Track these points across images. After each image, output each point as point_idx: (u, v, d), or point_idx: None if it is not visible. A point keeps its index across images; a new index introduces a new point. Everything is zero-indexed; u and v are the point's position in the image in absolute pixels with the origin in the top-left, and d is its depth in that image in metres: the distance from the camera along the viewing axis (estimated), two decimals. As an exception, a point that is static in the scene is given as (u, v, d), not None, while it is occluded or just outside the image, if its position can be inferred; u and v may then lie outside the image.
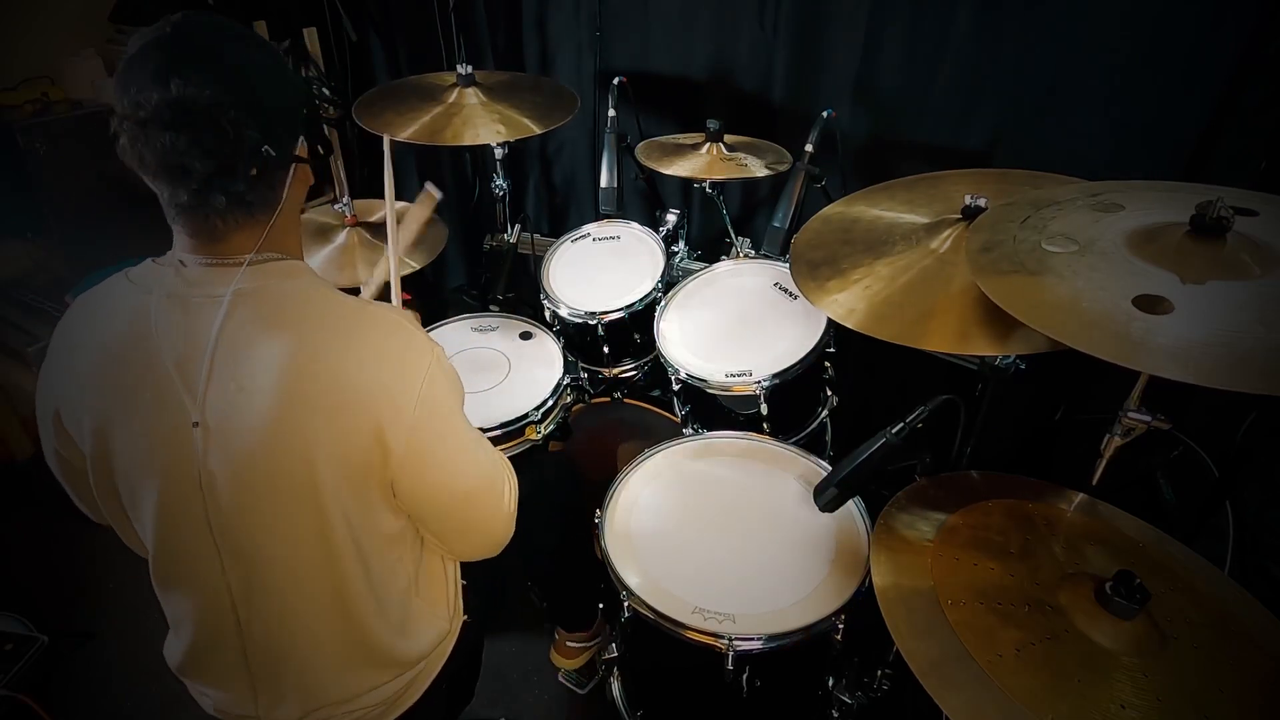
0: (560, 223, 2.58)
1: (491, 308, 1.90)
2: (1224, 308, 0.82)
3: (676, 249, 1.93)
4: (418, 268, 1.79)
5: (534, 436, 1.57)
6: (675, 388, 1.57)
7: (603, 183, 1.77)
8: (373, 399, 0.82)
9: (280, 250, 0.86)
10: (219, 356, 0.81)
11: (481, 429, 1.50)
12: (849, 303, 1.17)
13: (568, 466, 1.58)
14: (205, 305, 0.81)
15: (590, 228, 1.95)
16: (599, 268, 1.85)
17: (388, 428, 0.83)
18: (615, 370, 1.81)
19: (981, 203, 1.19)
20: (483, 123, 1.78)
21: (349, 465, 0.84)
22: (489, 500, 0.99)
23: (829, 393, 1.64)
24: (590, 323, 1.72)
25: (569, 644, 1.68)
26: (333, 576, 0.90)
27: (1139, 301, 0.84)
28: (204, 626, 0.95)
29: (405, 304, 1.19)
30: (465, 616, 1.14)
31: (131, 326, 0.83)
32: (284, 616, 0.92)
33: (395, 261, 1.22)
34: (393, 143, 1.29)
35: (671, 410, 1.72)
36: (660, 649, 1.21)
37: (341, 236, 1.79)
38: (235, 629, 0.93)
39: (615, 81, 1.78)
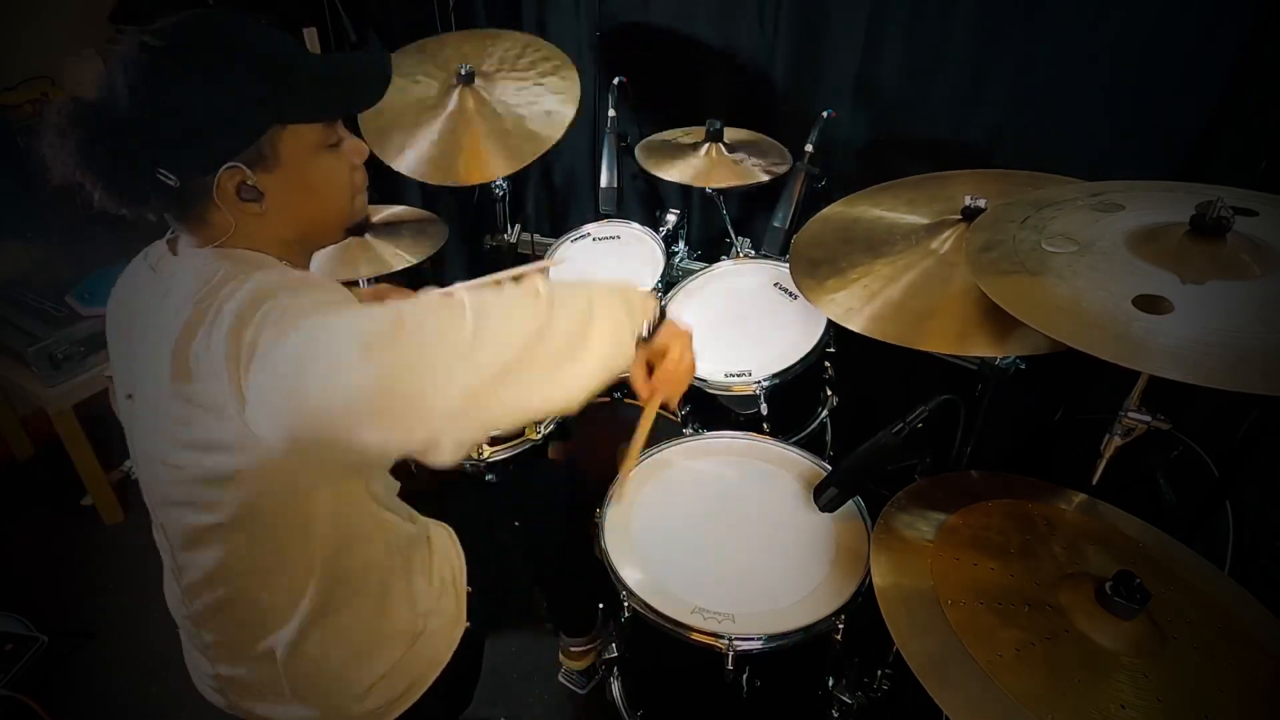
0: (560, 223, 2.58)
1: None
2: (1224, 307, 0.82)
3: (676, 249, 1.93)
4: (414, 263, 1.79)
5: (534, 436, 1.57)
6: (675, 388, 1.57)
7: (603, 183, 1.77)
8: (180, 353, 0.76)
9: (258, 248, 0.86)
10: (155, 335, 0.81)
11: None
12: (848, 302, 1.17)
13: (568, 468, 1.58)
14: (165, 282, 0.85)
15: (590, 228, 1.95)
16: (599, 268, 1.85)
17: (194, 375, 0.76)
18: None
19: (981, 203, 1.19)
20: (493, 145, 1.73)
21: (182, 438, 0.80)
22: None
23: (829, 393, 1.64)
24: (590, 323, 1.71)
25: (572, 649, 1.68)
26: (222, 555, 0.88)
27: (1139, 301, 0.84)
28: (173, 603, 1.01)
29: None
30: (468, 624, 1.13)
31: (129, 302, 0.91)
32: (220, 599, 0.92)
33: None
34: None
35: (671, 410, 1.72)
36: (660, 649, 1.21)
37: (341, 237, 1.79)
38: (184, 608, 0.97)
39: (615, 81, 1.78)
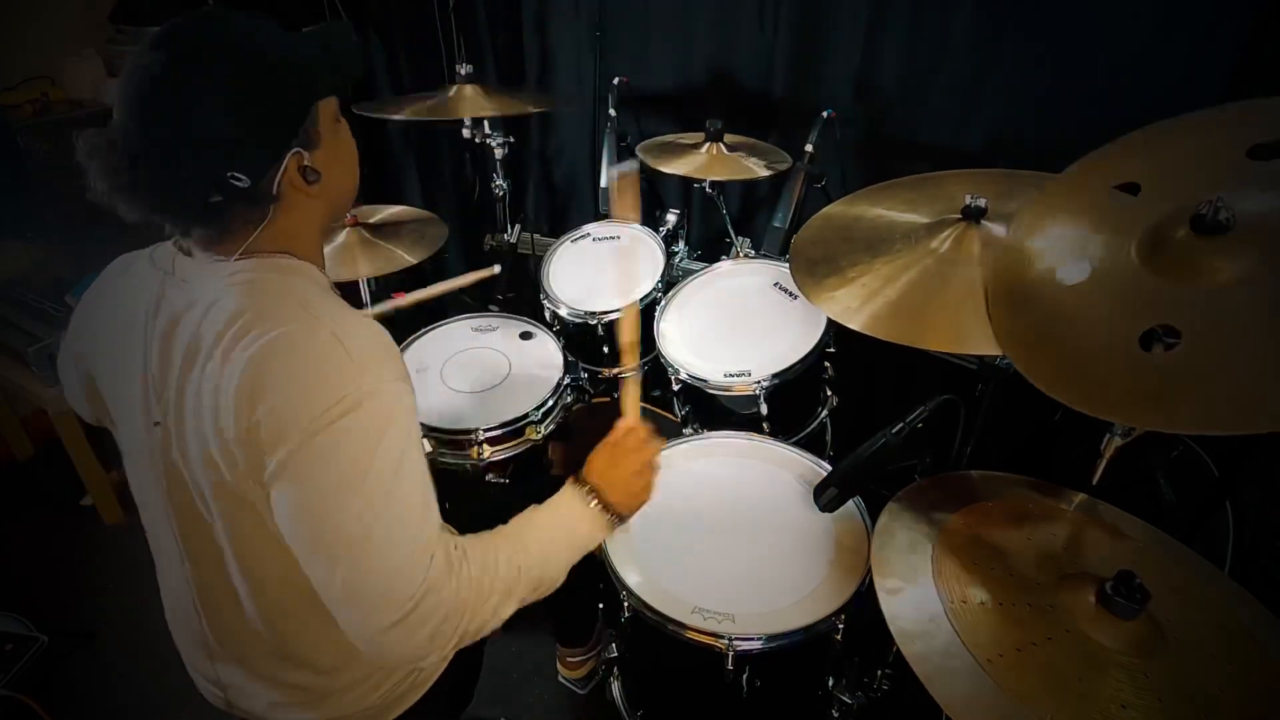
0: (560, 223, 2.58)
1: (491, 308, 1.90)
2: (1231, 325, 0.81)
3: (676, 249, 1.93)
4: (414, 263, 1.79)
5: (534, 436, 1.57)
6: (675, 388, 1.57)
7: (603, 183, 1.77)
8: (268, 413, 0.75)
9: (287, 249, 0.86)
10: (192, 352, 0.81)
11: (482, 429, 1.52)
12: (848, 302, 1.17)
13: (568, 468, 1.58)
14: (198, 299, 0.82)
15: (590, 228, 1.95)
16: (599, 268, 1.85)
17: (267, 448, 0.76)
18: (615, 370, 1.81)
19: (982, 203, 1.19)
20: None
21: (236, 462, 0.79)
22: (359, 586, 0.76)
23: (829, 393, 1.64)
24: (590, 323, 1.72)
25: (569, 658, 1.68)
26: (265, 580, 0.88)
27: (1144, 341, 0.84)
28: (174, 612, 1.00)
29: (400, 308, 1.17)
30: None
31: (138, 309, 0.86)
32: (241, 616, 0.92)
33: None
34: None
35: (671, 410, 1.72)
36: (660, 649, 1.21)
37: (341, 236, 1.79)
38: (199, 624, 0.96)
39: (615, 81, 1.78)
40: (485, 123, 1.93)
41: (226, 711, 1.02)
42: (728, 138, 1.79)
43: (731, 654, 1.07)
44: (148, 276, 0.88)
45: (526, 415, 1.55)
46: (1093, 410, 0.83)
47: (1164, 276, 0.88)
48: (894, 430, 1.10)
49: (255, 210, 0.81)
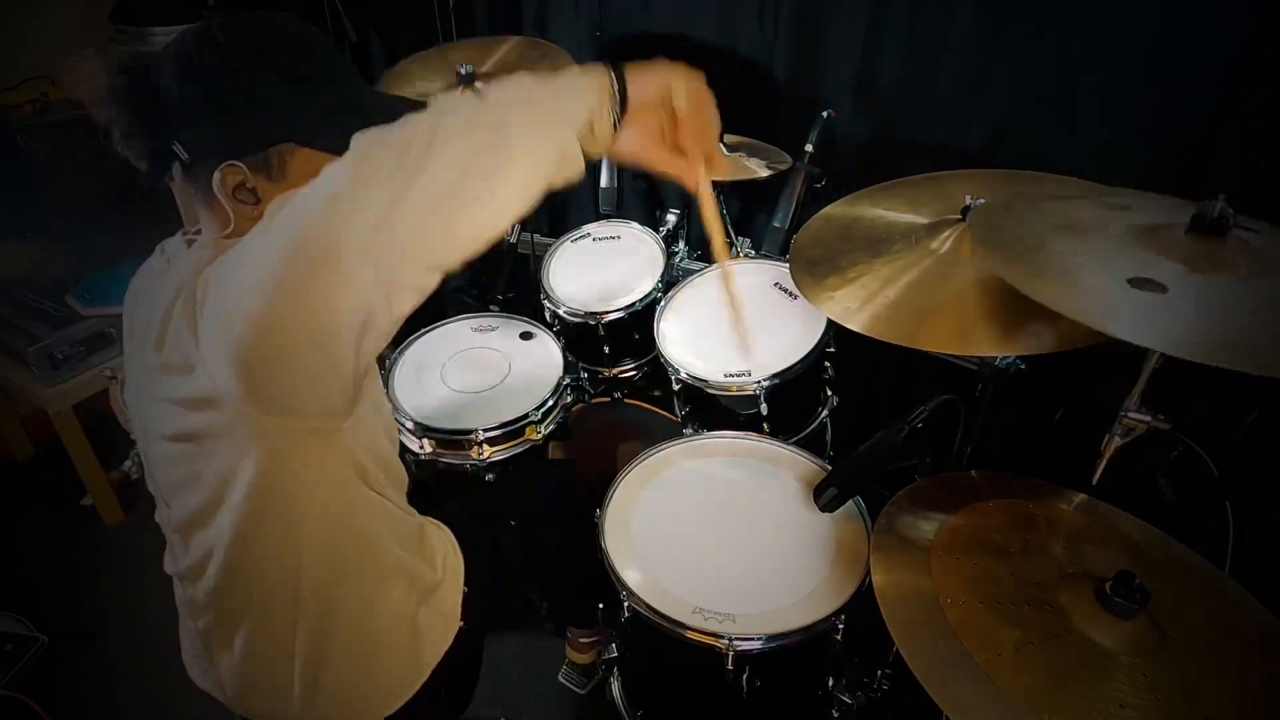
0: (560, 223, 2.58)
1: (491, 308, 1.90)
2: (1215, 296, 0.83)
3: (676, 249, 1.93)
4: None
5: (534, 436, 1.57)
6: (675, 388, 1.57)
7: (603, 183, 1.77)
8: (164, 319, 0.81)
9: None
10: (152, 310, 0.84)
11: (481, 429, 1.52)
12: (848, 302, 1.17)
13: (568, 467, 1.58)
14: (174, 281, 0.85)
15: (590, 228, 1.95)
16: (599, 268, 1.85)
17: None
18: (615, 370, 1.81)
19: (981, 203, 1.19)
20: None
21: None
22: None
23: (829, 393, 1.64)
24: (590, 323, 1.72)
25: (581, 640, 1.69)
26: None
27: (1134, 282, 0.84)
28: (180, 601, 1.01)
29: None
30: (461, 623, 1.13)
31: (142, 287, 0.93)
32: (218, 582, 0.93)
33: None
34: None
35: (671, 410, 1.72)
36: (660, 649, 1.21)
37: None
38: (187, 596, 0.97)
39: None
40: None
41: (228, 706, 1.02)
42: (727, 138, 1.79)
43: (731, 654, 1.07)
44: (153, 262, 0.93)
45: (526, 415, 1.55)
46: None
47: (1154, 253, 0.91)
48: (894, 430, 1.10)
49: (192, 188, 0.85)
